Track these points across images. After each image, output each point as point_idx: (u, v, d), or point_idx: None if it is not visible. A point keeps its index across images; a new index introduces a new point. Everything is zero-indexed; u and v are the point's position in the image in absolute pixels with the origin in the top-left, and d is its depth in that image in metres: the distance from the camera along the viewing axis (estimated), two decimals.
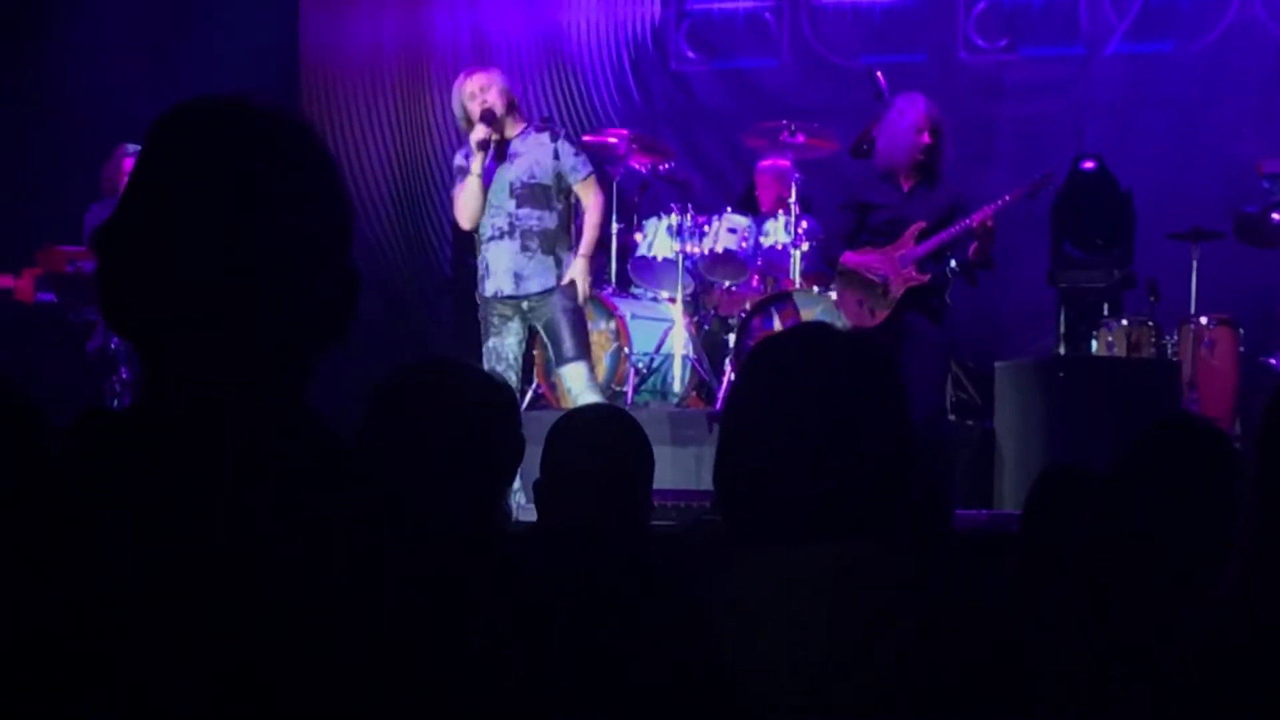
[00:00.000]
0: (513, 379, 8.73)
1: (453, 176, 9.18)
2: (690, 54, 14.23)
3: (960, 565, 4.53)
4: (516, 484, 8.22)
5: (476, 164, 8.89)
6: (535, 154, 8.93)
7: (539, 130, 9.08)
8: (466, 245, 13.07)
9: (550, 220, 8.90)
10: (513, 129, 8.98)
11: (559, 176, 8.92)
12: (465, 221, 9.06)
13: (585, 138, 12.80)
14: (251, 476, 1.91)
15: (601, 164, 12.25)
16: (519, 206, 8.87)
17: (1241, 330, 10.47)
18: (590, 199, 9.01)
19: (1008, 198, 8.81)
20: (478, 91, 8.91)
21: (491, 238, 8.94)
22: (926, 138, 8.97)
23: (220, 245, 1.92)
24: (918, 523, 3.91)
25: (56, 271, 9.95)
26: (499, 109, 8.89)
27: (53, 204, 11.03)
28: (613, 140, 11.89)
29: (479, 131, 8.86)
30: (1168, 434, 3.31)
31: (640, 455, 3.99)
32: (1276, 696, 2.22)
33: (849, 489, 2.59)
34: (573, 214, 9.07)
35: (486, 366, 8.65)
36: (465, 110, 8.95)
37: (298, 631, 1.88)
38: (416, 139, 14.19)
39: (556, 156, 8.93)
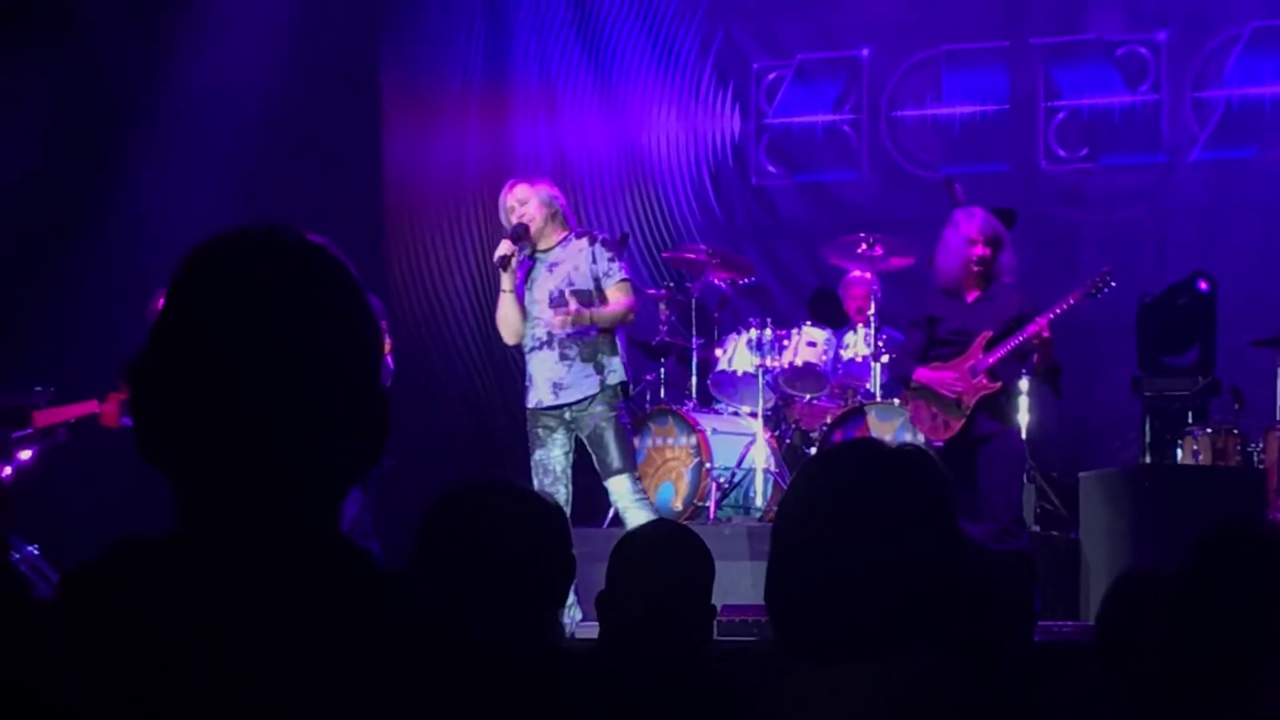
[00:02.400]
0: (560, 491, 8.62)
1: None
2: (770, 168, 14.28)
3: (1042, 676, 4.50)
4: (571, 599, 8.16)
5: (506, 280, 8.75)
6: (574, 260, 8.74)
7: (579, 236, 8.85)
8: None
9: (590, 328, 8.69)
10: (552, 238, 8.79)
11: (597, 280, 8.72)
12: (508, 337, 8.89)
13: (665, 254, 12.88)
14: (288, 610, 1.90)
15: (682, 280, 12.29)
16: (556, 315, 8.65)
17: None
18: (621, 301, 8.74)
19: (1070, 301, 8.83)
20: (515, 205, 8.77)
21: (533, 349, 8.77)
22: (980, 249, 8.98)
23: (250, 377, 1.92)
24: (994, 635, 3.88)
25: None
26: (535, 224, 8.71)
27: (138, 331, 11.09)
28: (692, 256, 11.93)
29: (501, 248, 8.74)
30: (1231, 538, 3.30)
31: (699, 571, 3.97)
32: None
33: (900, 604, 2.57)
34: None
35: (535, 480, 8.62)
36: (506, 222, 8.82)
37: None
38: None
39: (594, 260, 8.72)
